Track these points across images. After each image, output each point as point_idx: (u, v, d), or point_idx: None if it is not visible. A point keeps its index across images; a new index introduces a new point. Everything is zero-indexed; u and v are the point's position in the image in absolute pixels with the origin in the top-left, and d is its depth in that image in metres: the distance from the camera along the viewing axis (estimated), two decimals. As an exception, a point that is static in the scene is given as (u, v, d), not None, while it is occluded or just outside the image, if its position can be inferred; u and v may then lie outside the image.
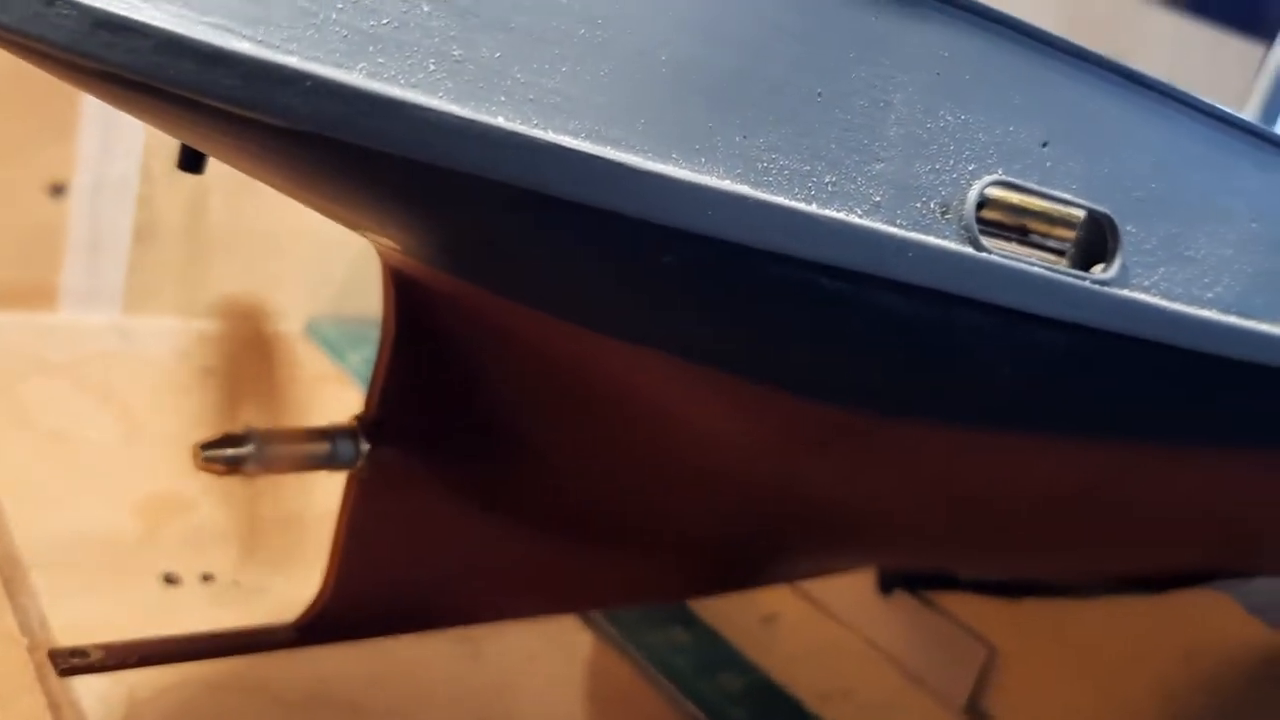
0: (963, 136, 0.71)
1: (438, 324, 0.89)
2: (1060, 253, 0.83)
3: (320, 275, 2.02)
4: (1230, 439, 0.96)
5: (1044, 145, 0.74)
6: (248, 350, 1.83)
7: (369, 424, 0.93)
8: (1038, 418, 0.86)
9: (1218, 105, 0.81)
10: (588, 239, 0.65)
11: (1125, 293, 0.78)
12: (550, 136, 0.58)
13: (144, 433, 1.63)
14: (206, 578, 1.43)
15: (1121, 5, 3.13)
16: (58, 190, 1.76)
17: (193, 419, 1.70)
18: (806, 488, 0.93)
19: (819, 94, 0.66)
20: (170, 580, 1.39)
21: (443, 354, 0.91)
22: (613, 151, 0.60)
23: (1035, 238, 0.90)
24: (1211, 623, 1.17)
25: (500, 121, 0.58)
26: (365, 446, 0.93)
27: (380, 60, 0.56)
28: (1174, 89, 0.78)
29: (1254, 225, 0.85)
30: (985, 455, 0.88)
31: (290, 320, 2.00)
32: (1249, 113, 3.39)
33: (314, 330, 2.00)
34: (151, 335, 1.89)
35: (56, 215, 1.78)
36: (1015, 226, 0.91)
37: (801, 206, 0.65)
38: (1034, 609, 1.31)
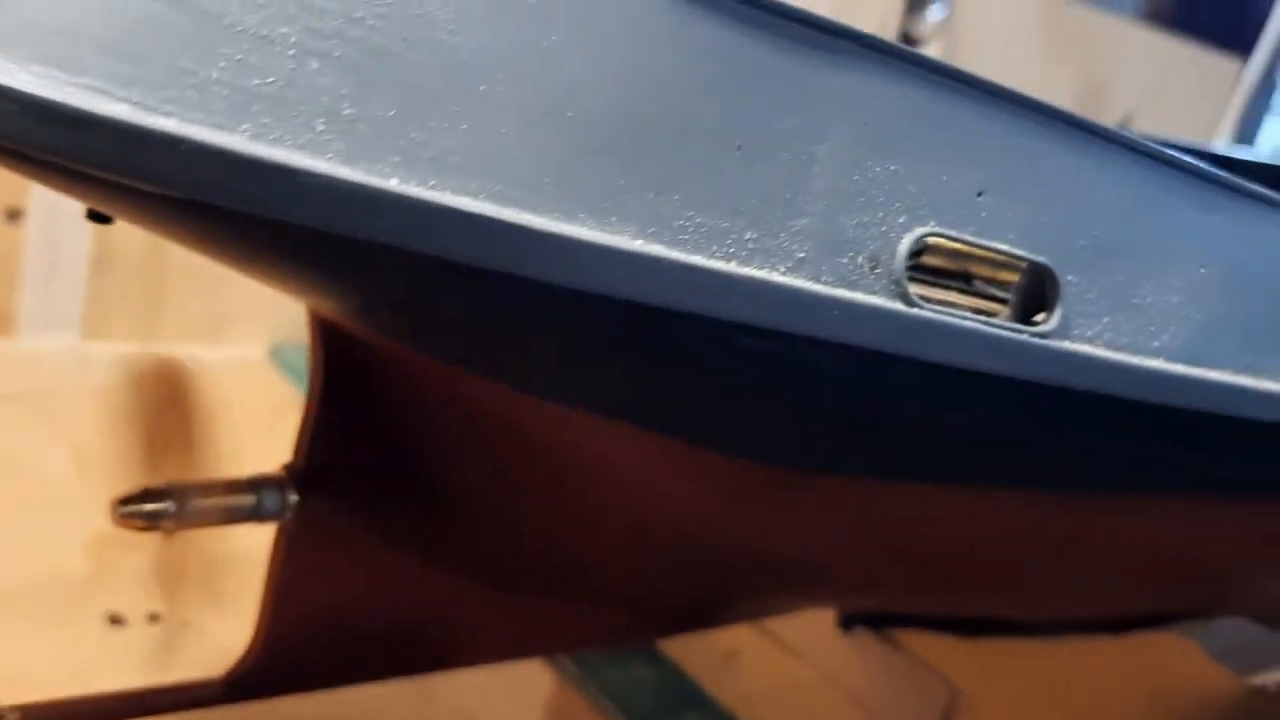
0: (893, 188, 0.68)
1: (365, 371, 0.87)
2: (1005, 301, 0.80)
3: (284, 299, 1.99)
4: (1180, 486, 0.94)
5: (980, 195, 0.71)
6: (196, 382, 1.80)
7: (297, 474, 0.90)
8: (975, 471, 0.83)
9: (1162, 148, 0.78)
10: (494, 303, 0.62)
11: (1066, 344, 0.75)
12: (447, 198, 0.56)
13: (98, 464, 1.60)
14: (154, 618, 1.40)
15: (1100, 23, 3.12)
16: (13, 215, 1.73)
17: (149, 450, 1.67)
18: (740, 539, 0.91)
19: (739, 147, 0.63)
20: (115, 621, 1.36)
21: (372, 401, 0.89)
22: (515, 213, 0.57)
23: (979, 285, 0.88)
24: (1176, 666, 1.14)
25: (393, 184, 0.55)
26: (293, 497, 0.90)
27: (265, 121, 0.53)
28: (1116, 132, 0.75)
29: (1202, 270, 0.82)
30: (924, 508, 0.85)
31: (254, 346, 1.97)
32: (1226, 127, 3.37)
33: (278, 356, 1.97)
34: (109, 362, 1.86)
35: (13, 240, 1.75)
36: (958, 275, 0.88)
37: (718, 266, 0.62)
38: (997, 648, 1.28)
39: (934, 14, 2.72)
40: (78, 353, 1.84)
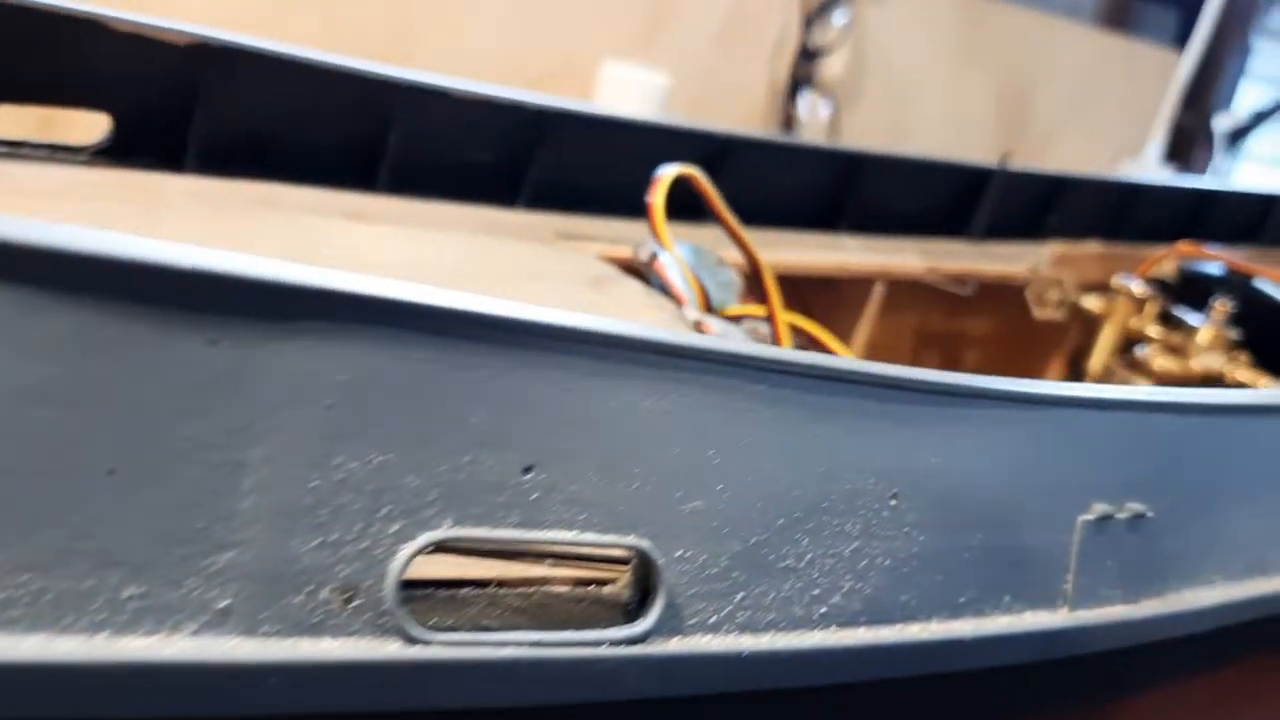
0: (379, 486, 0.50)
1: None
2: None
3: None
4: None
5: (527, 471, 0.53)
6: None
7: None
8: None
9: (789, 355, 0.59)
10: None
11: (669, 645, 0.57)
12: None
13: None
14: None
15: (1025, 20, 2.90)
16: None
17: None
18: None
19: (111, 471, 0.46)
20: None
21: None
22: None
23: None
24: None
25: None
26: None
27: None
28: (703, 348, 0.56)
29: (892, 502, 0.64)
30: None
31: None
32: (1161, 121, 3.13)
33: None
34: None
35: None
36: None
37: (61, 651, 0.44)
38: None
39: (837, 20, 2.51)
40: None
